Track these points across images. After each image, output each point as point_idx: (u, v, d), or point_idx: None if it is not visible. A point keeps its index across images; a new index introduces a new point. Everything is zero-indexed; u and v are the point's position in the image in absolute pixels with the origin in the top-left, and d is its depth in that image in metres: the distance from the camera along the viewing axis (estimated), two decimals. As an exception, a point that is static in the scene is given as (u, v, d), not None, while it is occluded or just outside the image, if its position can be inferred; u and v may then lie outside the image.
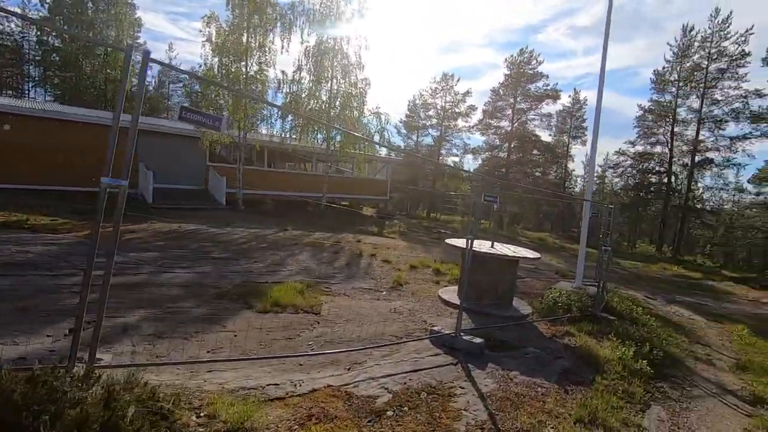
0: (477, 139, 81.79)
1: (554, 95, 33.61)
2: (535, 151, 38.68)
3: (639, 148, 30.73)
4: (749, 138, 26.05)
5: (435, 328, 5.28)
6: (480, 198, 5.85)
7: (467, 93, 35.79)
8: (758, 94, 25.45)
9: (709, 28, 27.80)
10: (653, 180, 30.79)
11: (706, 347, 7.32)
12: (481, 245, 7.81)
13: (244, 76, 16.61)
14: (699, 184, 29.88)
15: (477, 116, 36.01)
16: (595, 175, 50.11)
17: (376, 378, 3.76)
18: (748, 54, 26.33)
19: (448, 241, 7.75)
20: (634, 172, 31.97)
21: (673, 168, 29.60)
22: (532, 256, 7.42)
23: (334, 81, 19.74)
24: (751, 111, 23.35)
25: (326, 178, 20.28)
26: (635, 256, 27.01)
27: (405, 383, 3.74)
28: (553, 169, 44.45)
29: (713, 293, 15.28)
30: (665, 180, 29.60)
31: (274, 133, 20.74)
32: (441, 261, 10.56)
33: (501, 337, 5.66)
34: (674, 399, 4.64)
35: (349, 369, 3.92)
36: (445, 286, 8.58)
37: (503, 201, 37.11)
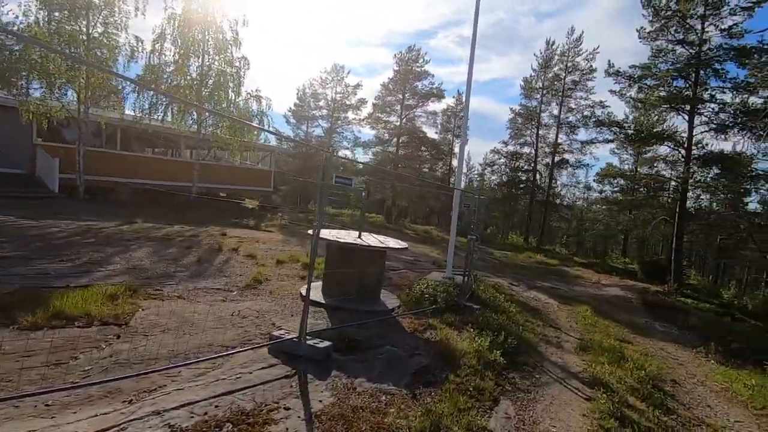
0: (367, 133, 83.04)
1: (439, 94, 35.13)
2: (423, 148, 40.16)
3: (511, 148, 33.75)
4: (595, 143, 30.18)
5: (277, 333, 4.48)
6: (342, 185, 5.19)
7: (358, 86, 35.62)
8: (601, 105, 29.68)
9: (566, 44, 31.58)
10: (522, 177, 34.02)
11: (557, 330, 7.74)
12: (348, 236, 7.21)
13: (85, 37, 13.77)
14: (558, 182, 33.87)
15: (367, 110, 36.06)
16: (476, 172, 53.83)
17: (166, 411, 2.81)
18: (595, 70, 30.48)
19: (311, 231, 6.98)
20: (507, 169, 35.03)
21: (538, 167, 33.05)
22: (398, 246, 7.04)
23: (207, 57, 17.61)
24: (596, 119, 26.98)
25: (197, 165, 18.08)
26: (506, 247, 29.44)
27: (207, 413, 2.86)
28: (440, 165, 46.77)
29: (566, 278, 17.06)
30: (531, 177, 32.88)
31: (130, 111, 17.81)
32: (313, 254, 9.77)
33: (357, 336, 5.08)
34: (523, 390, 4.52)
35: (130, 401, 2.90)
36: (313, 282, 7.82)
37: (393, 195, 37.86)
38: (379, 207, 40.68)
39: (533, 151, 32.68)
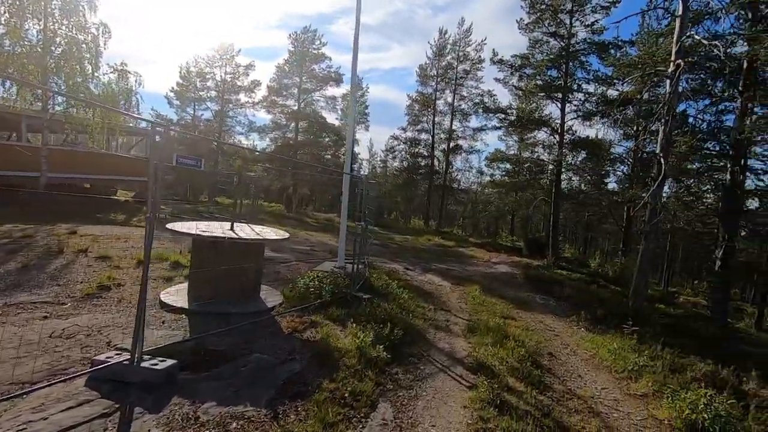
0: (263, 117, 79.01)
1: (338, 78, 34.27)
2: (324, 134, 39.16)
3: (409, 134, 34.47)
4: (485, 129, 32.18)
5: (103, 356, 3.54)
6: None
7: (250, 66, 33.15)
8: (490, 94, 31.59)
9: (458, 34, 32.91)
10: (422, 163, 35.00)
11: (447, 312, 7.73)
12: (220, 229, 6.30)
13: None
14: (454, 167, 35.52)
15: (262, 92, 33.88)
16: (379, 159, 54.15)
17: None
18: (483, 60, 32.30)
19: (169, 226, 5.93)
20: (407, 156, 35.74)
21: (435, 153, 34.26)
22: (278, 237, 6.34)
23: (51, 19, 14.61)
24: (484, 106, 28.63)
25: (44, 151, 15.09)
26: (408, 231, 30.12)
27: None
28: (342, 151, 46.23)
29: (461, 258, 17.81)
30: (430, 163, 33.97)
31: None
32: (189, 251, 8.57)
33: (221, 345, 4.33)
34: (405, 386, 4.20)
35: None
36: (180, 282, 6.78)
37: (294, 183, 36.42)
38: (279, 195, 38.93)
39: (430, 138, 33.69)
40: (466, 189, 40.01)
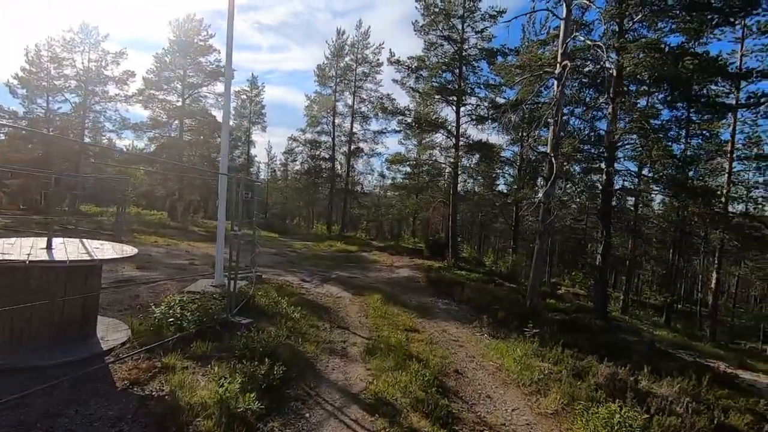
0: (140, 113, 70.93)
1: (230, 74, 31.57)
2: (217, 134, 35.93)
3: (309, 135, 33.13)
4: (385, 132, 32.24)
5: None
6: None
7: (121, 54, 28.82)
8: (389, 97, 31.75)
9: (356, 36, 32.57)
10: (323, 166, 33.88)
11: (345, 331, 6.85)
12: (31, 247, 4.63)
13: None
14: (356, 170, 35.02)
15: (137, 85, 29.72)
16: (279, 162, 51.65)
17: None
18: (382, 64, 32.36)
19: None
20: (307, 158, 34.35)
21: (336, 155, 33.43)
22: (119, 255, 4.84)
23: None
24: (382, 105, 28.60)
25: None
26: (310, 237, 28.81)
27: None
28: (237, 153, 43.14)
29: (364, 264, 17.17)
30: (331, 166, 33.02)
31: None
32: None
33: (5, 422, 2.87)
34: (281, 450, 3.19)
35: None
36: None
37: (179, 188, 32.63)
38: (162, 203, 34.78)
39: (331, 140, 32.78)
40: (369, 192, 39.91)
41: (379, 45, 31.93)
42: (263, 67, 78.49)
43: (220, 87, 32.93)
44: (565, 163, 10.94)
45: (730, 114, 16.07)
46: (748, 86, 17.18)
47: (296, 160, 36.20)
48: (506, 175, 25.02)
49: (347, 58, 32.44)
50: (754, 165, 17.78)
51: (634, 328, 11.96)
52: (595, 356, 6.35)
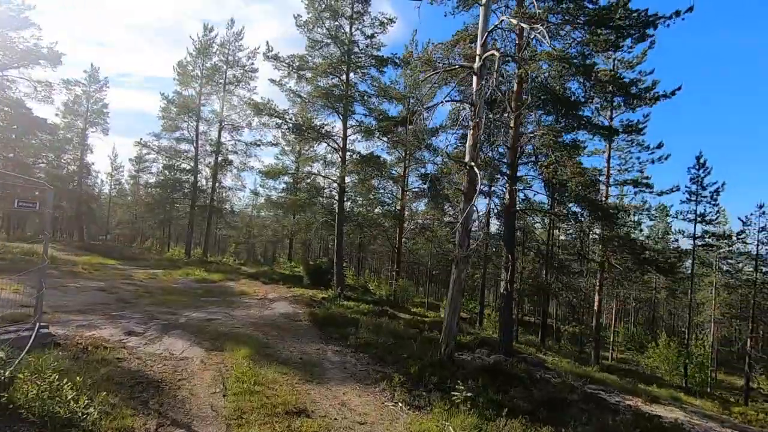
0: None
1: (54, 58, 24.86)
2: (36, 132, 28.02)
3: (165, 142, 27.90)
4: (260, 145, 28.91)
5: None
6: None
7: None
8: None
9: (227, 35, 28.94)
10: (182, 178, 28.80)
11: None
12: None
13: None
14: (223, 185, 30.62)
15: None
16: (129, 172, 43.40)
17: None
18: (257, 70, 29.25)
19: None
20: (163, 169, 28.87)
21: (200, 167, 28.78)
22: None
23: None
24: (255, 105, 25.50)
25: None
26: (161, 263, 23.64)
27: None
28: (66, 159, 34.83)
29: (229, 298, 13.82)
30: (193, 179, 28.21)
31: None
32: None
33: None
34: None
35: None
36: None
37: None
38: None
39: (194, 149, 28.11)
40: (239, 211, 35.53)
41: (255, 49, 28.91)
42: (119, 69, 67.29)
43: (40, 73, 25.90)
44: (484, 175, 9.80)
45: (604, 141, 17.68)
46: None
47: (150, 171, 30.22)
48: (390, 193, 23.95)
49: (216, 58, 28.59)
50: (630, 189, 20.15)
51: (536, 360, 11.29)
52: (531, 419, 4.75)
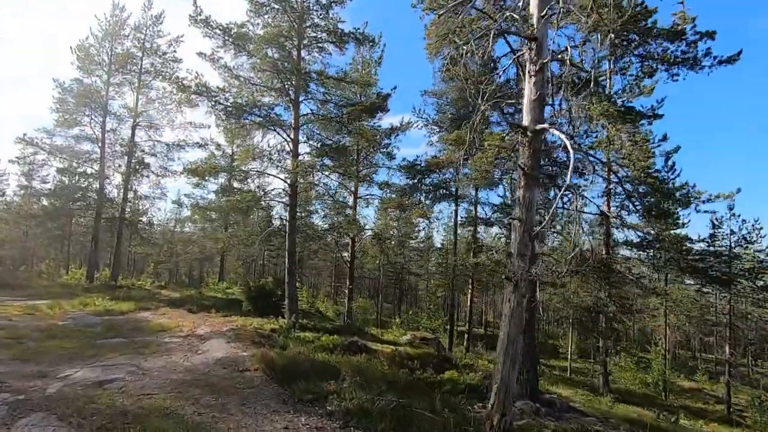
0: None
1: None
2: None
3: (59, 140, 22.63)
4: (184, 146, 24.74)
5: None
6: None
7: None
8: (189, 102, 24.72)
9: (143, 18, 24.59)
10: (83, 185, 23.63)
11: None
12: None
13: None
14: (139, 194, 25.73)
15: None
16: (15, 173, 35.93)
17: None
18: (181, 60, 25.13)
19: None
20: (56, 173, 23.48)
21: (108, 172, 23.80)
22: None
23: None
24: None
25: None
26: (53, 291, 18.64)
27: None
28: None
29: (141, 336, 10.13)
30: (98, 186, 23.18)
31: None
32: None
33: None
34: None
35: None
36: None
37: None
38: None
39: (99, 150, 23.18)
40: (160, 225, 30.48)
41: (178, 37, 24.88)
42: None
43: None
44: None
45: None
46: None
47: (38, 175, 24.47)
48: (342, 198, 20.99)
49: (128, 43, 24.06)
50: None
51: (565, 404, 9.08)
52: None
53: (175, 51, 24.88)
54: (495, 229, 25.72)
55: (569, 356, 25.50)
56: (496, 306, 48.53)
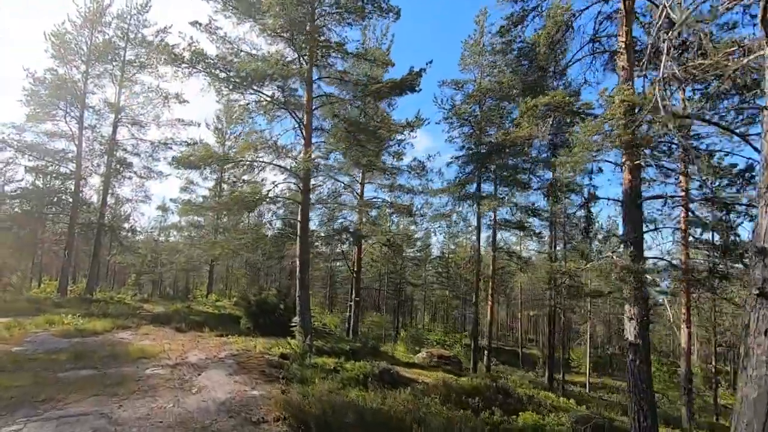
0: None
1: None
2: None
3: (31, 137, 20.24)
4: (171, 145, 22.59)
5: None
6: None
7: None
8: (178, 98, 22.68)
9: (126, 6, 22.54)
10: (57, 186, 21.22)
11: None
12: None
13: None
14: (120, 197, 23.39)
15: None
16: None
17: None
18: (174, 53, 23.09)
19: None
20: (25, 173, 21.02)
21: (86, 172, 21.46)
22: None
23: None
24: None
25: None
26: (18, 306, 16.19)
27: None
28: None
29: (117, 366, 7.98)
30: (73, 188, 20.79)
31: None
32: None
33: None
34: None
35: None
36: None
37: None
38: None
39: (75, 147, 20.87)
40: (144, 231, 28.06)
41: (166, 28, 22.84)
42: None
43: None
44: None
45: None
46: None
47: (3, 175, 21.96)
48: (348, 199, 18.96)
49: (110, 31, 21.94)
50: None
51: None
52: None
53: (162, 41, 22.81)
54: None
55: None
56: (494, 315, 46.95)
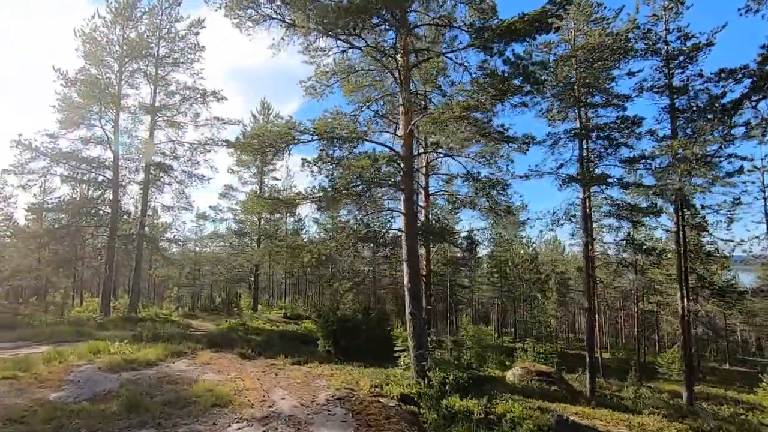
0: None
1: None
2: None
3: (65, 144, 18.71)
4: (211, 146, 20.84)
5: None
6: None
7: None
8: (215, 95, 20.92)
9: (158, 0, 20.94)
10: (94, 196, 19.69)
11: None
12: None
13: None
14: (159, 204, 21.73)
15: None
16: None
17: None
18: (203, 48, 21.40)
19: None
20: (61, 183, 19.62)
21: (122, 180, 19.86)
22: None
23: None
24: (213, 117, 18.23)
25: None
26: (58, 331, 14.54)
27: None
28: None
29: (182, 421, 5.75)
30: (112, 197, 19.17)
31: None
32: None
33: None
34: None
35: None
36: None
37: None
38: None
39: (111, 153, 19.27)
40: (184, 241, 26.48)
41: (199, 21, 21.12)
42: None
43: None
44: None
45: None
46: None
47: (33, 187, 20.53)
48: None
49: (142, 27, 20.32)
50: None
51: None
52: None
53: (197, 36, 21.13)
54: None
55: None
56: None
